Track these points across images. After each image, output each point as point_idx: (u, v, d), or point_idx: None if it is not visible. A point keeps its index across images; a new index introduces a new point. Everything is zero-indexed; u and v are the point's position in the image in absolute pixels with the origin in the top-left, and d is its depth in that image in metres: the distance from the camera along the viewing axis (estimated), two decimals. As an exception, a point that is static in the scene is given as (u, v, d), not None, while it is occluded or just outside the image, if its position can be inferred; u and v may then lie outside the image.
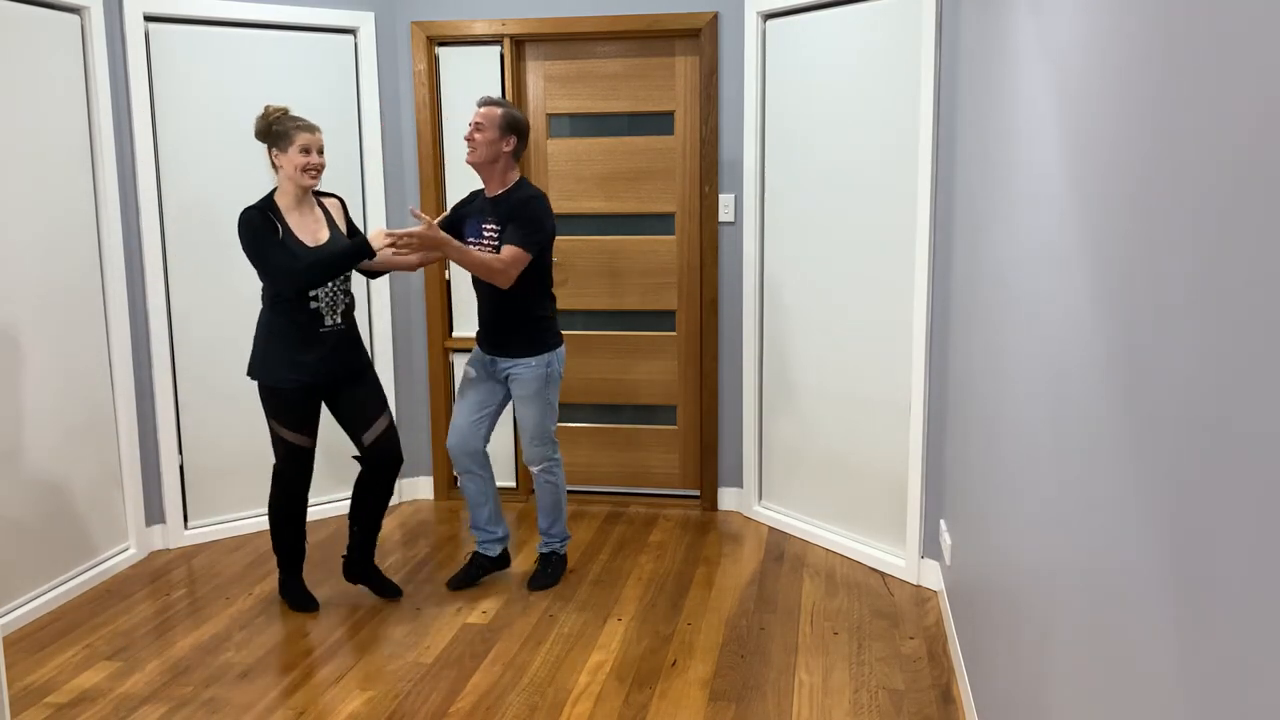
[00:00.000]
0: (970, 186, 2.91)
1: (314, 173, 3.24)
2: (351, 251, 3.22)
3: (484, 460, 3.56)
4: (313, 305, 3.26)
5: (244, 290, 4.04)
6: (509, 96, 4.28)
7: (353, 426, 3.39)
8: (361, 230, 3.51)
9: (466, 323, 4.50)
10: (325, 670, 3.04)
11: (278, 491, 3.39)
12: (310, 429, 3.36)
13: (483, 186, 3.45)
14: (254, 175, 4.00)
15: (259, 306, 3.92)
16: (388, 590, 3.54)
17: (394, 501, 4.54)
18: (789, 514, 4.16)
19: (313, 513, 4.31)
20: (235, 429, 4.11)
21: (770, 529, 4.18)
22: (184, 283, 3.96)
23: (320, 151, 3.25)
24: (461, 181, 4.38)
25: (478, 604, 3.48)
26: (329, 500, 4.35)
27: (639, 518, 4.31)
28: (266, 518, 3.50)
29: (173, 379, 3.96)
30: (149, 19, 3.79)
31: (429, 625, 3.33)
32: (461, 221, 3.47)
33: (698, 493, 4.47)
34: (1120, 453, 1.27)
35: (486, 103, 3.34)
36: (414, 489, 4.60)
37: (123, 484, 3.83)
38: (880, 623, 3.31)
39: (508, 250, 3.27)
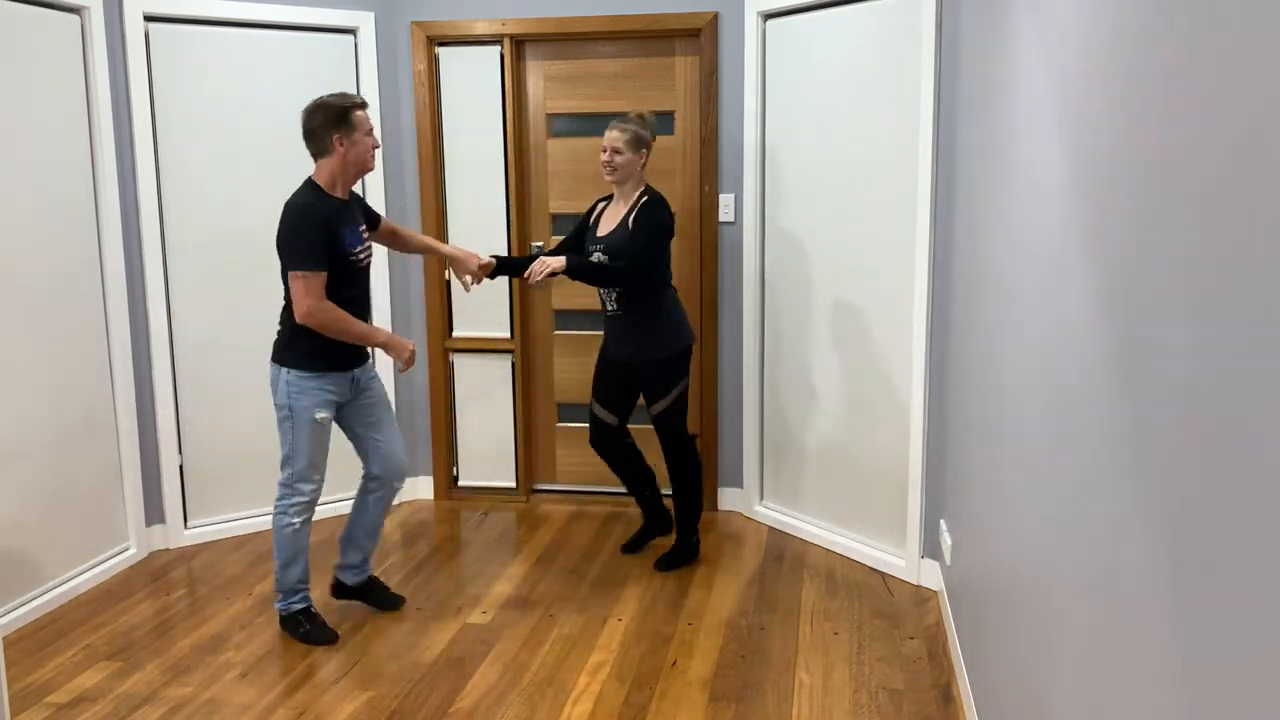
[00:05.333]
0: (970, 186, 2.91)
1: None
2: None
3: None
4: None
5: (244, 290, 4.04)
6: (509, 96, 4.29)
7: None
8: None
9: (466, 323, 4.50)
10: (325, 670, 3.04)
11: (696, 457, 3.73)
12: None
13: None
14: (254, 174, 4.00)
15: (260, 306, 3.94)
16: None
17: (394, 501, 4.53)
18: (789, 514, 4.16)
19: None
20: (235, 429, 4.11)
21: (770, 529, 4.18)
22: (183, 282, 3.96)
23: None
24: (461, 182, 4.38)
25: (478, 604, 3.48)
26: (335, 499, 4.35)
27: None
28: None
29: (173, 379, 3.96)
30: (149, 19, 3.79)
31: (429, 625, 3.33)
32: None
33: (698, 493, 4.47)
34: (1120, 453, 1.27)
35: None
36: (414, 489, 4.60)
37: (123, 484, 3.83)
38: (880, 623, 3.31)
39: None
